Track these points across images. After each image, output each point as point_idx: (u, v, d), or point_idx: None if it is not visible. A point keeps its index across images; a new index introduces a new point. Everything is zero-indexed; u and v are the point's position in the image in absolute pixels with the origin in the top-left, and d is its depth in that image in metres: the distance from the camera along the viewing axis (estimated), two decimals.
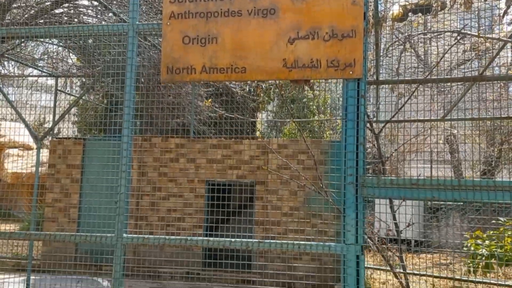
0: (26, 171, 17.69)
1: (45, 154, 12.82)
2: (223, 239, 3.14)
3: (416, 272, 7.51)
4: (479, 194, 2.64)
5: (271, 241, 3.06)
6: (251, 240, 3.10)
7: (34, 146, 17.80)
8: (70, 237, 3.37)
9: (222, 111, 11.01)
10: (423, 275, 7.48)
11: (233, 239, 3.12)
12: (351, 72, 3.08)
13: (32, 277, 8.63)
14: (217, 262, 9.89)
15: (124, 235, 3.28)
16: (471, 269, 5.29)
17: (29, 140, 17.36)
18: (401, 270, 4.33)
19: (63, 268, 8.07)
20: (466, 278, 8.35)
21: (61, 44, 9.63)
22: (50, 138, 11.96)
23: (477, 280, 8.21)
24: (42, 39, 9.20)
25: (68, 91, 11.92)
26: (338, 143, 9.30)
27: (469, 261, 5.41)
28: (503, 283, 7.24)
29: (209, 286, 9.57)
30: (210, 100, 10.69)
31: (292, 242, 3.02)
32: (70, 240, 3.36)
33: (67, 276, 8.00)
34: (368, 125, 4.76)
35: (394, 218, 3.43)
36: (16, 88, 11.92)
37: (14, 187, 16.37)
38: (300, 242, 3.04)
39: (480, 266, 5.29)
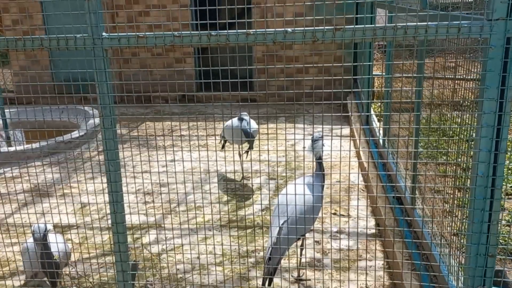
0: None
1: None
2: (242, 30, 1.89)
3: None
4: None
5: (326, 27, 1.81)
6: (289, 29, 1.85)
7: None
8: (25, 42, 2.06)
9: None
10: None
11: (251, 31, 1.88)
12: None
13: (7, 111, 7.58)
14: (213, 83, 8.84)
15: (104, 34, 2.00)
16: None
17: None
18: None
19: (41, 99, 6.96)
20: None
21: None
22: None
23: None
24: None
25: None
26: None
27: None
28: None
29: (206, 107, 8.71)
30: None
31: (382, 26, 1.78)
32: (32, 46, 2.06)
33: (49, 107, 6.93)
34: None
35: None
36: None
37: None
38: (399, 24, 1.79)
39: None
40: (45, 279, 3.28)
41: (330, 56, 8.52)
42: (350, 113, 7.41)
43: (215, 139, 5.87)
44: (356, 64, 7.91)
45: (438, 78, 2.89)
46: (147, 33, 1.95)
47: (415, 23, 1.76)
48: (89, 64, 2.07)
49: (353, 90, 8.01)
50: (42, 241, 2.92)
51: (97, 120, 7.44)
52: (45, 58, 9.45)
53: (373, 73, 7.86)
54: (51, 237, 3.11)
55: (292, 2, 8.43)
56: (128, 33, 1.96)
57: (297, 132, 6.82)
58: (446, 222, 2.73)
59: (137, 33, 1.96)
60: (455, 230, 2.66)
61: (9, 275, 3.73)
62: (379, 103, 7.40)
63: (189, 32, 1.91)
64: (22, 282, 3.61)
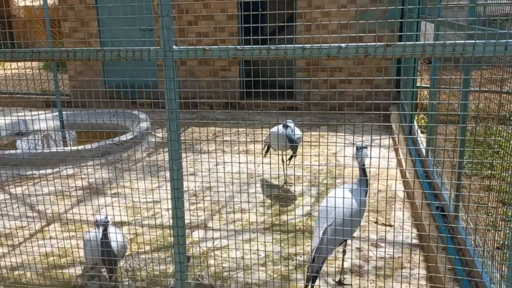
0: (37, 4, 16.26)
1: None
2: (299, 45, 2.05)
3: None
4: None
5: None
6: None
7: None
8: (105, 53, 2.33)
9: None
10: None
11: (307, 45, 2.03)
12: None
13: (63, 113, 8.08)
14: (257, 91, 9.03)
15: (175, 47, 2.23)
16: None
17: None
18: None
19: (94, 103, 7.39)
20: None
21: None
22: None
23: None
24: None
25: None
26: None
27: None
28: None
29: (250, 114, 8.93)
30: None
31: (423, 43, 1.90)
32: (111, 56, 2.32)
33: (101, 110, 7.35)
34: None
35: None
36: None
37: (29, 22, 15.08)
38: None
39: None
40: (103, 269, 3.56)
41: (374, 68, 8.58)
42: (392, 124, 7.44)
43: (251, 145, 6.06)
44: (397, 77, 7.94)
45: (485, 91, 2.96)
46: (212, 46, 2.17)
47: (463, 41, 1.89)
48: (144, 73, 2.30)
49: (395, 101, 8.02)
50: (103, 226, 3.18)
51: (145, 124, 7.82)
52: (98, 65, 9.99)
53: (417, 85, 7.87)
54: (111, 230, 3.37)
55: (336, 15, 8.57)
56: (196, 47, 2.18)
57: (339, 141, 6.92)
58: (491, 234, 2.79)
59: (204, 47, 2.17)
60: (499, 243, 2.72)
61: (67, 265, 4.05)
62: (422, 115, 7.40)
63: (250, 46, 2.11)
64: (80, 272, 3.91)
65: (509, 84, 2.59)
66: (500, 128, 2.71)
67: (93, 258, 3.32)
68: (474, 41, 1.88)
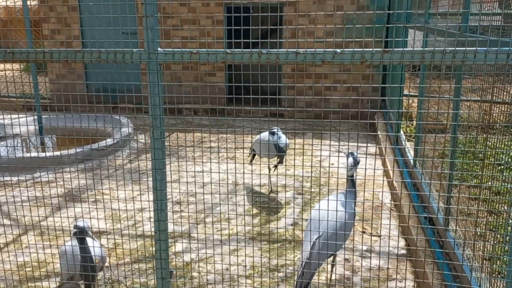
0: (18, 4, 15.90)
1: None
2: (292, 50, 1.94)
3: None
4: None
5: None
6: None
7: None
8: (84, 54, 2.17)
9: None
10: None
11: (301, 50, 1.93)
12: None
13: (43, 116, 7.82)
14: (242, 97, 8.91)
15: (160, 49, 2.10)
16: None
17: None
18: None
19: (75, 107, 7.17)
20: None
21: None
22: None
23: None
24: None
25: None
26: None
27: None
28: None
29: (235, 120, 8.80)
30: None
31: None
32: (90, 58, 2.17)
33: (81, 114, 7.13)
34: None
35: None
36: None
37: (9, 23, 14.71)
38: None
39: None
40: (81, 282, 3.37)
41: (359, 75, 8.54)
42: (378, 132, 7.40)
43: (237, 152, 5.94)
44: (386, 85, 7.92)
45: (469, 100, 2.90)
46: (200, 49, 2.04)
47: (463, 48, 1.80)
48: (127, 76, 2.16)
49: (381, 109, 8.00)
50: (82, 235, 3.02)
51: (127, 129, 7.62)
52: (80, 67, 9.75)
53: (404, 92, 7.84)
54: (89, 241, 3.20)
55: (322, 21, 8.52)
56: (182, 49, 2.06)
57: (324, 148, 6.84)
58: (485, 246, 2.71)
59: (191, 49, 2.05)
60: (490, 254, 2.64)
61: (43, 277, 3.84)
62: (407, 123, 7.38)
63: (240, 50, 1.99)
64: (56, 284, 3.71)
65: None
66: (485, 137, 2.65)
67: (68, 273, 3.14)
68: (475, 48, 1.80)
